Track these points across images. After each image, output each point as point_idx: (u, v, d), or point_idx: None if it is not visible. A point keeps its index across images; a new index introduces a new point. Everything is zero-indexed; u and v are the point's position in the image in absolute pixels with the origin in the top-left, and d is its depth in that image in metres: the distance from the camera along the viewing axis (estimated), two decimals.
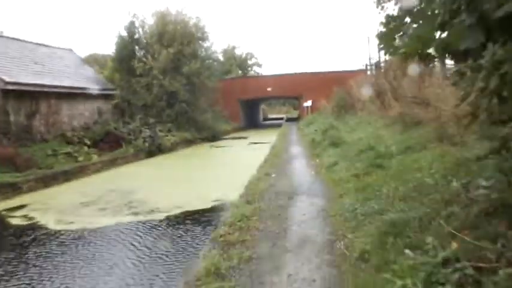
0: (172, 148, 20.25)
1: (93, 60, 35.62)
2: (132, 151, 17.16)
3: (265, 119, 58.57)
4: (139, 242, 6.36)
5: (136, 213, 8.23)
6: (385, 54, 4.16)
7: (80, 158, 14.83)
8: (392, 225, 3.93)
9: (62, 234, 7.21)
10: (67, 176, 12.93)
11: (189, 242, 6.11)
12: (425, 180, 4.95)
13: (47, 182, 12.09)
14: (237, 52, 55.87)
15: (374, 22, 75.05)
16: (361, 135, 10.91)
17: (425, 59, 3.86)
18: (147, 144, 18.10)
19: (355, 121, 14.21)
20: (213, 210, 8.06)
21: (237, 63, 54.39)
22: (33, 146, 14.59)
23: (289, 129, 26.74)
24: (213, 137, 25.80)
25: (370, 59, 27.19)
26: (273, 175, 8.43)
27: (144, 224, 7.48)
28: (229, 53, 53.98)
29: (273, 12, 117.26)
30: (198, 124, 24.74)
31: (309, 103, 32.62)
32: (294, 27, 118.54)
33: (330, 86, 23.98)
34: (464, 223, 3.66)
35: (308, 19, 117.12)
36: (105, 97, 20.57)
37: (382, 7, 24.37)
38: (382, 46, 3.74)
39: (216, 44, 71.28)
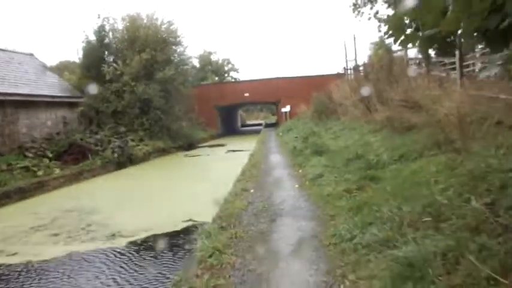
0: (144, 158, 19.03)
1: (63, 67, 34.07)
2: (100, 163, 15.83)
3: (244, 125, 57.70)
4: (89, 281, 5.25)
5: (94, 239, 7.08)
6: (395, 42, 3.21)
7: (40, 173, 13.42)
8: (408, 264, 3.01)
9: (1, 269, 6.02)
10: (22, 194, 11.55)
11: (154, 281, 5.04)
12: (435, 199, 4.07)
13: None
14: (213, 58, 54.80)
15: (350, 26, 75.62)
16: (347, 142, 10.08)
17: (447, 47, 2.95)
18: (116, 155, 16.79)
19: (338, 127, 13.40)
20: (184, 232, 6.99)
21: (213, 69, 53.30)
22: None
23: (268, 135, 25.84)
24: (189, 145, 24.68)
25: (347, 61, 26.81)
26: (252, 190, 7.42)
27: (102, 253, 6.35)
28: (205, 59, 52.86)
29: (249, 17, 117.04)
30: (173, 132, 23.57)
31: (287, 108, 31.94)
32: (270, 32, 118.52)
33: (308, 90, 23.34)
34: (505, 262, 2.79)
35: (285, 24, 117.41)
36: (71, 105, 19.10)
37: (359, 11, 23.42)
38: (390, 33, 2.78)
39: (192, 49, 70.32)
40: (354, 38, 29.83)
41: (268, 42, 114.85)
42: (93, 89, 19.36)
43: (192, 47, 52.05)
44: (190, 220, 7.44)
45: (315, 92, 20.88)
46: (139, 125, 21.93)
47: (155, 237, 6.88)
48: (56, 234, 7.57)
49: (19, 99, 15.06)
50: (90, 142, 17.16)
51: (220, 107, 35.15)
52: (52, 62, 43.00)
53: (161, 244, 6.45)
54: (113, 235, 7.18)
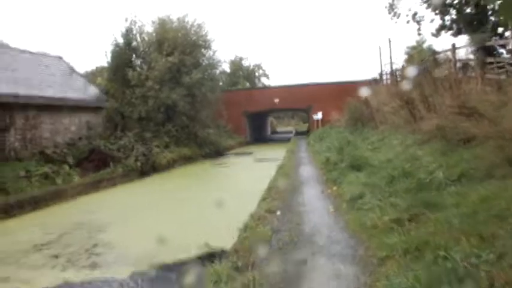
0: (168, 166, 18.25)
1: (98, 73, 34.60)
2: (121, 171, 15.17)
3: (274, 132, 56.58)
4: None
5: (94, 266, 6.16)
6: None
7: (59, 181, 12.86)
8: None
9: None
10: (36, 204, 10.93)
11: None
12: None
13: (9, 211, 10.12)
14: (245, 64, 54.15)
15: (384, 31, 73.24)
16: (389, 155, 8.75)
17: None
18: (139, 164, 16.09)
19: (377, 137, 12.03)
20: (196, 261, 5.93)
21: (244, 74, 52.66)
22: (3, 166, 12.64)
23: (299, 144, 24.63)
24: (216, 153, 23.82)
25: (381, 66, 25.33)
26: (278, 212, 6.31)
27: (97, 286, 5.41)
28: (236, 65, 52.31)
29: (281, 23, 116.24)
30: (200, 139, 22.76)
31: (319, 115, 30.56)
32: (302, 38, 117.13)
33: (341, 97, 21.95)
34: None
35: (317, 30, 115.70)
36: (96, 110, 18.72)
37: (395, 13, 21.58)
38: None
39: (223, 54, 70.08)
40: (389, 42, 28.27)
41: (300, 48, 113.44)
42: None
43: (224, 53, 51.68)
44: (206, 246, 6.37)
45: (348, 98, 19.51)
46: (165, 131, 21.28)
47: (163, 266, 5.89)
48: (56, 256, 6.74)
49: (43, 103, 14.66)
50: (113, 148, 16.58)
51: (249, 114, 34.22)
52: (89, 67, 43.70)
53: (167, 278, 5.44)
54: (117, 261, 6.26)
